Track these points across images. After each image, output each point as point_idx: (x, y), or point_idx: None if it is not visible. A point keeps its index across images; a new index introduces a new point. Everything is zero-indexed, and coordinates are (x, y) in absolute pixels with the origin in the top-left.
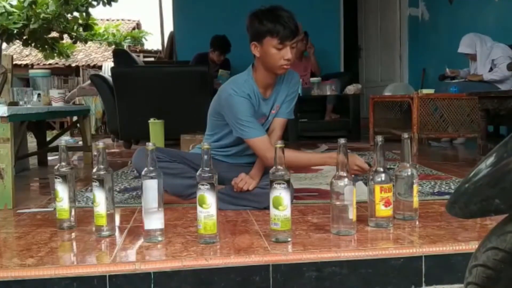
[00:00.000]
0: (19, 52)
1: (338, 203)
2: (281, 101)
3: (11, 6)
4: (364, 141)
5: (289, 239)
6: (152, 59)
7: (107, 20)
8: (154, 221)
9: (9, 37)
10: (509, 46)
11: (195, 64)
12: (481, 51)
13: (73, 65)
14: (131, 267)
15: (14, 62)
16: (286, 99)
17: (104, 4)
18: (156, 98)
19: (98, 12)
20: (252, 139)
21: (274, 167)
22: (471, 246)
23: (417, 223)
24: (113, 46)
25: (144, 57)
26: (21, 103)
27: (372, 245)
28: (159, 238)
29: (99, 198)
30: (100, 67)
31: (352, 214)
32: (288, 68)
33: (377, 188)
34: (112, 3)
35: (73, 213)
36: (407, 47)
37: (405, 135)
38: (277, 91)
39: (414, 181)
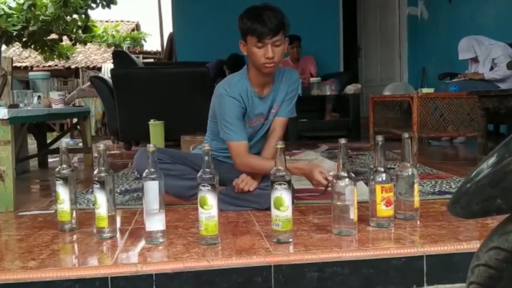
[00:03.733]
0: (19, 54)
1: (339, 203)
2: (281, 100)
3: (10, 8)
4: (364, 140)
5: (291, 240)
6: (152, 60)
7: (106, 21)
8: (156, 222)
9: (9, 39)
10: (508, 45)
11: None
12: (480, 51)
13: (73, 66)
14: (133, 268)
15: (13, 64)
16: (285, 98)
17: (103, 7)
18: (156, 99)
19: (97, 14)
20: (230, 142)
21: (275, 168)
22: (473, 245)
23: (418, 222)
24: (113, 48)
25: (144, 58)
26: (21, 105)
27: (374, 245)
28: (161, 240)
29: (100, 200)
30: (99, 69)
31: (353, 214)
32: (272, 66)
33: (378, 188)
34: (112, 5)
35: (74, 215)
36: (406, 46)
37: (406, 135)
38: (276, 90)
39: (415, 180)
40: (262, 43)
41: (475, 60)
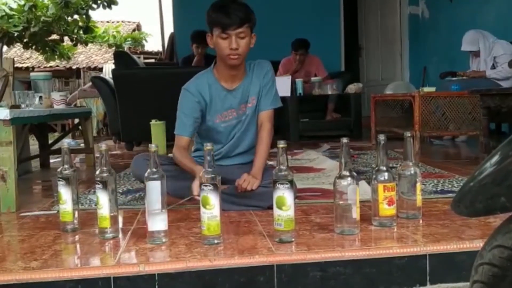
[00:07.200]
0: (20, 55)
1: (341, 202)
2: (256, 93)
3: (11, 9)
4: (366, 140)
5: (293, 239)
6: (153, 60)
7: (107, 22)
8: (158, 222)
9: (10, 40)
10: (510, 43)
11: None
12: (484, 48)
13: (74, 67)
14: (135, 269)
15: (15, 65)
16: (262, 91)
17: (104, 7)
18: (157, 99)
19: (98, 14)
20: (175, 134)
21: (277, 167)
22: (475, 244)
23: (420, 221)
24: (114, 48)
25: (145, 58)
26: (23, 106)
27: (376, 244)
28: (163, 240)
29: (103, 200)
30: (101, 69)
31: (355, 214)
32: (237, 58)
33: (380, 187)
34: (112, 6)
35: (76, 215)
36: (407, 45)
37: (408, 134)
38: (247, 83)
39: (417, 179)
40: (227, 34)
41: (476, 54)
